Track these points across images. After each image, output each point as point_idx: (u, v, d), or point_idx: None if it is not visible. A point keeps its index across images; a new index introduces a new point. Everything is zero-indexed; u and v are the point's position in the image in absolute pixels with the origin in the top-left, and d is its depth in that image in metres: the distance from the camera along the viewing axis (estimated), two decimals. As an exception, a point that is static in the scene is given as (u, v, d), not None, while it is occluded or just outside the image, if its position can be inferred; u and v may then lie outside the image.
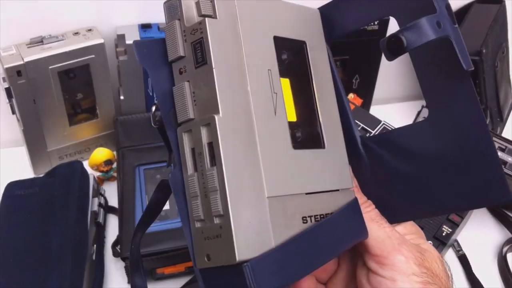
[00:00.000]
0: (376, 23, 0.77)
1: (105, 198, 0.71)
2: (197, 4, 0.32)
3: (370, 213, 0.38)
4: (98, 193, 0.69)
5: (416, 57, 0.35)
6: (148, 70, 0.34)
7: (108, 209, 0.70)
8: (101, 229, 0.67)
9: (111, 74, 0.73)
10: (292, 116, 0.35)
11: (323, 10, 0.40)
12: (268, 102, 0.33)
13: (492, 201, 0.34)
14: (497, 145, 0.64)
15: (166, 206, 0.65)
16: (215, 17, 0.31)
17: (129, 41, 0.70)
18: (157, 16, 0.73)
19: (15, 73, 0.65)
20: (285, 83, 0.35)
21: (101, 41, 0.69)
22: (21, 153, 0.75)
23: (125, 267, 0.62)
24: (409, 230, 0.40)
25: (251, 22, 0.33)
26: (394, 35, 0.30)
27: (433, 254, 0.38)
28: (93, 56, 0.69)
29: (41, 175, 0.71)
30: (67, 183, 0.65)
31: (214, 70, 0.30)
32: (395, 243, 0.37)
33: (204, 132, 0.31)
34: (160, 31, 0.72)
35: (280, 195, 0.32)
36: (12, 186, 0.66)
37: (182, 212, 0.32)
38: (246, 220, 0.30)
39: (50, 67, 0.67)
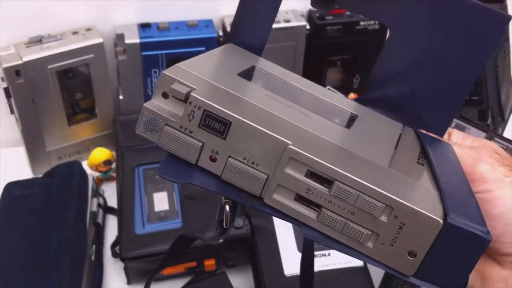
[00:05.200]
0: (376, 22, 0.76)
1: (104, 199, 0.70)
2: (172, 93, 0.29)
3: None
4: (97, 193, 0.69)
5: None
6: (194, 183, 0.30)
7: (107, 210, 0.70)
8: (100, 229, 0.67)
9: (110, 73, 0.73)
10: None
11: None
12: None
13: (496, 34, 0.33)
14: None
15: (165, 207, 0.65)
16: (195, 88, 0.29)
17: (128, 40, 0.70)
18: (157, 15, 0.73)
19: (13, 72, 0.65)
20: None
21: (100, 40, 0.69)
22: (20, 153, 0.75)
23: (124, 268, 0.61)
24: (457, 135, 0.39)
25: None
26: None
27: (494, 145, 0.37)
28: (92, 55, 0.69)
29: (40, 176, 0.71)
30: (66, 183, 0.65)
31: (244, 120, 0.28)
32: (473, 155, 0.35)
33: (293, 170, 0.28)
34: (159, 31, 0.72)
35: (387, 163, 0.30)
36: (11, 187, 0.66)
37: (347, 251, 0.28)
38: (401, 190, 0.27)
39: (49, 66, 0.67)
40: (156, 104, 0.30)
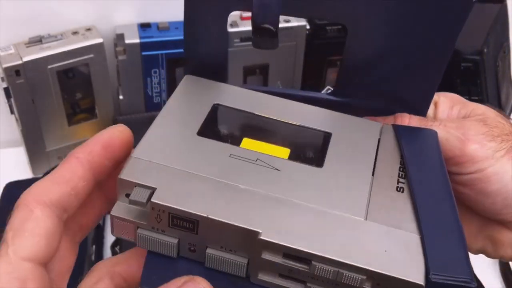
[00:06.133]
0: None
1: (104, 199, 0.70)
2: (133, 203, 0.28)
3: (409, 125, 0.35)
4: (97, 193, 0.69)
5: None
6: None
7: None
8: (100, 229, 0.67)
9: (110, 73, 0.73)
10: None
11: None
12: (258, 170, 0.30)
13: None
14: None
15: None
16: (155, 187, 0.28)
17: (128, 40, 0.70)
18: (156, 15, 0.73)
19: (13, 72, 0.65)
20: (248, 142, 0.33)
21: (100, 40, 0.69)
22: (20, 153, 0.75)
23: (124, 268, 0.61)
24: (444, 105, 0.37)
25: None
26: (259, 29, 0.29)
27: (482, 110, 0.36)
28: (92, 55, 0.69)
29: (40, 176, 0.71)
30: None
31: (209, 217, 0.27)
32: (460, 136, 0.34)
33: (270, 255, 0.27)
34: (159, 31, 0.72)
35: (363, 214, 0.29)
36: (11, 187, 0.66)
37: None
38: (378, 255, 0.27)
39: (49, 66, 0.67)
40: (123, 206, 0.29)
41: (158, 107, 0.76)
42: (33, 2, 0.68)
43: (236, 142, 0.33)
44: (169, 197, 0.27)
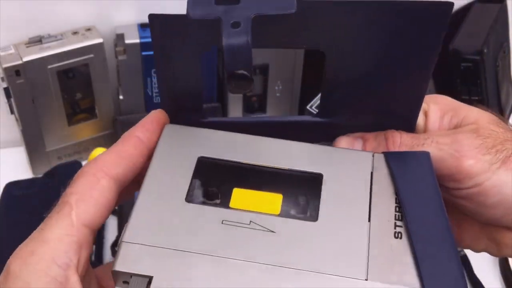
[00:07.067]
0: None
1: (104, 199, 0.70)
2: None
3: (401, 145, 0.35)
4: (97, 193, 0.69)
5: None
6: None
7: (107, 210, 0.70)
8: (100, 229, 0.67)
9: (110, 73, 0.73)
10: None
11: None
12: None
13: (441, 24, 0.31)
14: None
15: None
16: (152, 275, 0.28)
17: (128, 40, 0.70)
18: (157, 15, 0.73)
19: (13, 72, 0.65)
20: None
21: (100, 40, 0.69)
22: (20, 153, 0.75)
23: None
24: (435, 114, 0.37)
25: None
26: (233, 75, 0.28)
27: (474, 117, 0.35)
28: (92, 55, 0.69)
29: (40, 176, 0.71)
30: (66, 183, 0.65)
31: None
32: (454, 153, 0.33)
33: None
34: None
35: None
36: (11, 187, 0.66)
37: None
38: None
39: (49, 66, 0.67)
40: None
41: (158, 107, 0.76)
42: (33, 2, 0.68)
43: (227, 196, 0.32)
44: (167, 286, 0.27)
